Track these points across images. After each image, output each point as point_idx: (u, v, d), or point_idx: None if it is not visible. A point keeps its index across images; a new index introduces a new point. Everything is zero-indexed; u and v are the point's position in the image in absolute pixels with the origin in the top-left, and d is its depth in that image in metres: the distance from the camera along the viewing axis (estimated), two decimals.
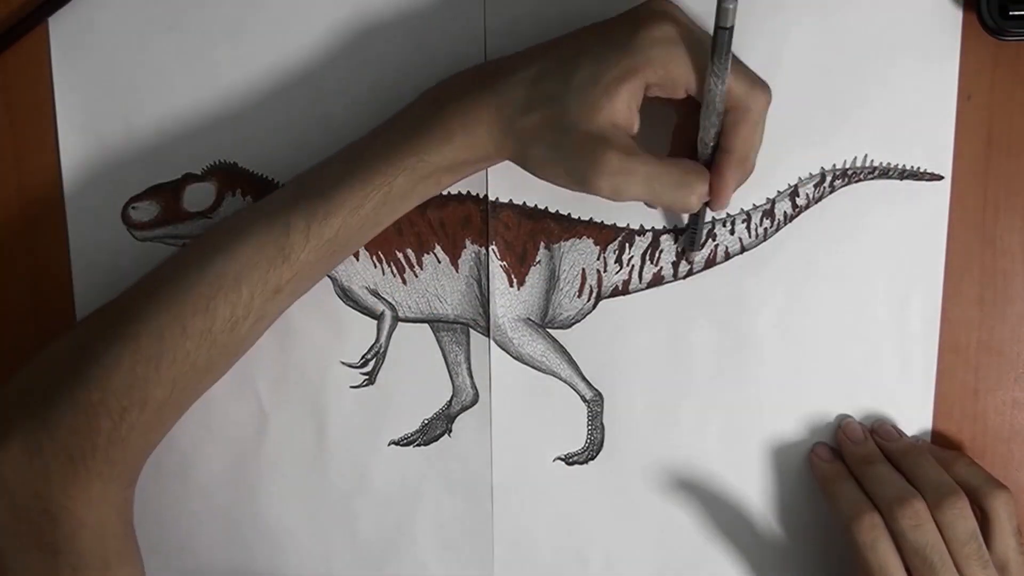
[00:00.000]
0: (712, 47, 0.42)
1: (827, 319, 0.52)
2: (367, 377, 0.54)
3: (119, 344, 0.46)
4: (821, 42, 0.50)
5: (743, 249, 0.52)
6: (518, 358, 0.54)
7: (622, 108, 0.44)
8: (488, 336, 0.54)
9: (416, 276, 0.53)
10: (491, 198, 0.52)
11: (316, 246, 0.46)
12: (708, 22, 0.43)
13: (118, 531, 0.48)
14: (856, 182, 0.51)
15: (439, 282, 0.53)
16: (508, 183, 0.52)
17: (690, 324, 0.53)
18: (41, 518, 0.46)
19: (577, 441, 0.54)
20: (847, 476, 0.50)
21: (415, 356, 0.54)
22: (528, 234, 0.53)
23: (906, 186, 0.51)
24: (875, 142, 0.51)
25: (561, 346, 0.53)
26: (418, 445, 0.55)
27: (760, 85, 0.45)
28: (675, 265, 0.52)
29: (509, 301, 0.53)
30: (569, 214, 0.52)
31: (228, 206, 0.53)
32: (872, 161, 0.51)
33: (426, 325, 0.54)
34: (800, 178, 0.51)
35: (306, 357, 0.54)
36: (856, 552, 0.48)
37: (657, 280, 0.53)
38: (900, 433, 0.52)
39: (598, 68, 0.44)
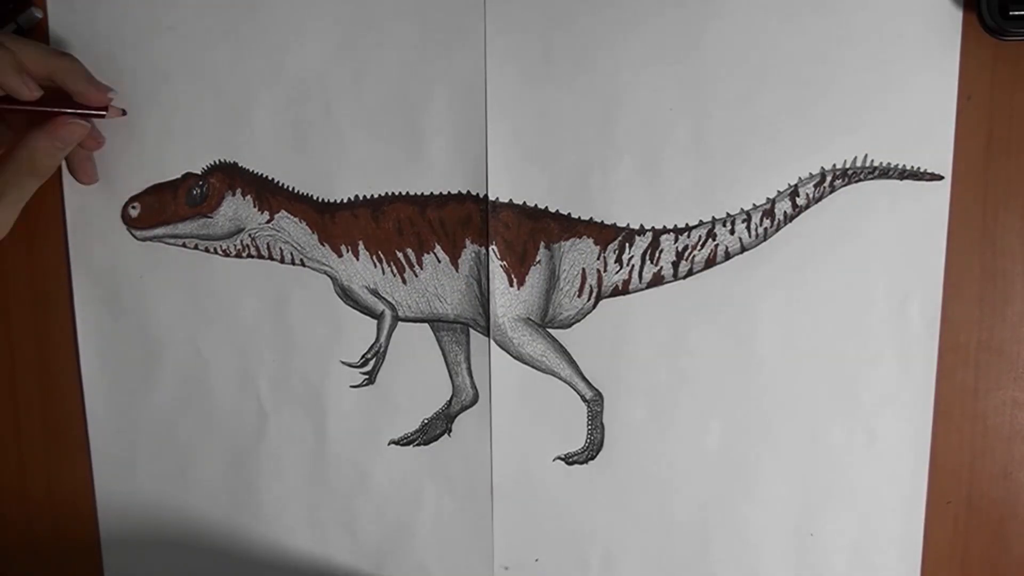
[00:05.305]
0: None
1: (827, 319, 0.52)
2: (367, 377, 0.54)
3: None
4: (821, 42, 0.50)
5: (743, 249, 0.52)
6: (518, 358, 0.54)
7: None
8: (488, 336, 0.54)
9: (416, 276, 0.53)
10: (491, 198, 0.52)
11: None
12: None
13: None
14: (856, 182, 0.51)
15: (439, 282, 0.53)
16: (508, 183, 0.52)
17: (690, 324, 0.53)
18: None
19: (577, 441, 0.54)
20: None
21: (415, 356, 0.54)
22: (528, 234, 0.52)
23: (906, 186, 0.51)
24: (875, 142, 0.51)
25: (561, 346, 0.53)
26: (418, 445, 0.55)
27: None
28: (675, 265, 0.52)
29: (509, 301, 0.53)
30: (569, 214, 0.52)
31: (228, 205, 0.53)
32: (872, 161, 0.51)
33: (426, 325, 0.54)
34: (800, 178, 0.51)
35: (306, 357, 0.54)
36: None
37: (657, 280, 0.53)
38: None
39: None
